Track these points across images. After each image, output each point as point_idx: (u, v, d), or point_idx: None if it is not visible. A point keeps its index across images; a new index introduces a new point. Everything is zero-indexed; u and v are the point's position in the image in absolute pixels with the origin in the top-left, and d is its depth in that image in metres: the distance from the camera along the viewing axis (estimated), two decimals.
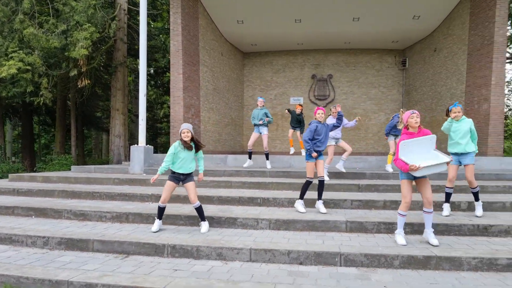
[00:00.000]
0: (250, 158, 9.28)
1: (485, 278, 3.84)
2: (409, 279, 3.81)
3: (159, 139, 22.87)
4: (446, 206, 5.69)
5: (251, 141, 9.14)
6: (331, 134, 7.91)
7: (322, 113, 5.87)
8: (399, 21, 14.67)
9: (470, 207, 5.97)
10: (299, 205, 5.88)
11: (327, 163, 8.02)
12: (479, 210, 5.62)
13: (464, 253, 4.15)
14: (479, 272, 4.00)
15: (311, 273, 3.97)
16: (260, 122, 8.98)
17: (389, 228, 5.13)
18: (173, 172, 5.21)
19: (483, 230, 5.01)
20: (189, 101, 13.09)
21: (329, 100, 18.40)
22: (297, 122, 10.57)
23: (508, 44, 24.40)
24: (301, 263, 4.26)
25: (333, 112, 8.01)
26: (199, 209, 5.17)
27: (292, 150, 11.36)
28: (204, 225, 5.18)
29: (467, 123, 5.55)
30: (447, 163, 4.35)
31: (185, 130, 5.06)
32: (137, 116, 20.93)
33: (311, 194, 6.37)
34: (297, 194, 6.68)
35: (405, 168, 4.33)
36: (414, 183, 4.59)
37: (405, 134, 4.62)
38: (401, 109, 8.39)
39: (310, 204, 6.16)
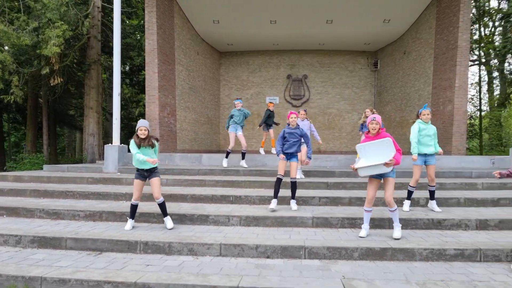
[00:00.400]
0: (226, 157, 9.38)
1: (434, 267, 4.20)
2: (366, 269, 4.12)
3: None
4: (407, 203, 6.08)
5: (233, 142, 9.25)
6: None
7: (294, 117, 6.11)
8: (371, 24, 15.18)
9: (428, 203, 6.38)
10: (272, 202, 6.07)
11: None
12: (436, 207, 6.04)
13: (417, 245, 4.51)
14: (429, 262, 4.36)
15: (276, 265, 4.23)
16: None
17: (352, 223, 5.46)
18: (137, 169, 5.35)
19: (437, 224, 5.41)
20: (164, 100, 13.16)
21: (304, 100, 18.80)
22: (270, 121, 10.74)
23: (476, 46, 25.55)
24: (268, 257, 4.51)
25: (301, 114, 8.36)
26: (163, 205, 5.30)
27: (262, 150, 11.45)
28: (169, 221, 5.34)
29: (434, 128, 6.05)
30: (386, 164, 4.56)
31: (142, 128, 5.19)
32: (111, 114, 20.79)
33: (287, 192, 6.64)
34: (269, 192, 6.96)
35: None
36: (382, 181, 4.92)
37: (365, 137, 5.00)
38: (367, 109, 8.83)
39: (286, 201, 6.44)
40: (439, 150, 6.13)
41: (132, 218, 5.40)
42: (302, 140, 6.23)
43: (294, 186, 6.11)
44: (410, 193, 6.08)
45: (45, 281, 3.76)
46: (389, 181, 4.82)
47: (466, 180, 8.14)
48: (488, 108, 26.89)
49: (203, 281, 3.69)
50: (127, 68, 21.04)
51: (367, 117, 9.55)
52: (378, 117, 4.88)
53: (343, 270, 4.08)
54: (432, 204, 6.09)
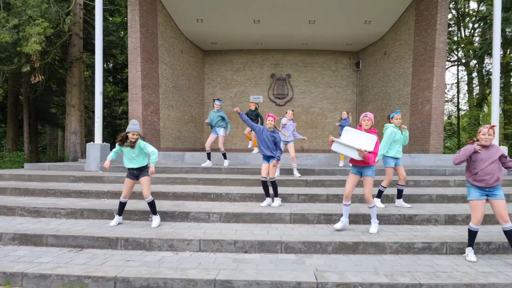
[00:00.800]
0: (209, 159, 9.44)
1: (403, 259, 4.43)
2: (338, 262, 4.33)
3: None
4: (377, 200, 6.34)
5: (208, 142, 9.37)
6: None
7: (271, 120, 6.32)
8: (352, 25, 15.47)
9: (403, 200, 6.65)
10: (265, 201, 6.37)
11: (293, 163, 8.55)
12: (405, 204, 6.37)
13: (387, 239, 4.74)
14: (399, 255, 4.60)
15: (253, 259, 4.40)
16: (227, 133, 9.59)
17: (329, 219, 5.67)
18: (128, 168, 5.47)
19: (409, 219, 5.66)
20: (148, 98, 13.19)
21: (288, 99, 19.03)
22: (255, 119, 10.85)
23: (455, 48, 26.20)
24: (246, 252, 4.67)
25: (289, 114, 8.61)
26: (152, 204, 5.43)
27: (256, 150, 11.60)
28: (155, 220, 5.45)
29: (400, 132, 6.35)
30: (359, 150, 4.71)
31: (135, 132, 5.33)
32: (94, 112, 20.65)
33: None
34: (250, 189, 7.23)
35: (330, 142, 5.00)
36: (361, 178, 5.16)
37: (359, 127, 5.23)
38: (343, 112, 9.16)
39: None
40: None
41: (120, 215, 5.51)
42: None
43: (273, 185, 6.30)
44: (380, 192, 6.37)
45: (26, 277, 3.84)
46: (368, 179, 5.05)
47: (439, 177, 8.46)
48: (467, 107, 27.63)
49: (182, 274, 3.83)
50: (111, 66, 20.90)
51: (343, 119, 9.91)
52: (369, 114, 5.15)
53: (317, 263, 4.27)
54: (400, 201, 6.38)
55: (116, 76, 21.19)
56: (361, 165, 5.00)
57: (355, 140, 4.90)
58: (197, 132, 18.29)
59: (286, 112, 8.69)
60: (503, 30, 15.89)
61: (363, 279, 3.78)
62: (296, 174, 8.50)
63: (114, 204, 6.25)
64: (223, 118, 9.46)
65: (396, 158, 6.32)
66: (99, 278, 3.79)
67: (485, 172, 4.26)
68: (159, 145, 13.91)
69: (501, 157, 4.32)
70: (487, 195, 4.31)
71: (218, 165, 9.46)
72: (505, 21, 14.72)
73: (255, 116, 10.85)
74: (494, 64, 9.48)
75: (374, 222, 5.14)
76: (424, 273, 3.95)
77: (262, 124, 9.40)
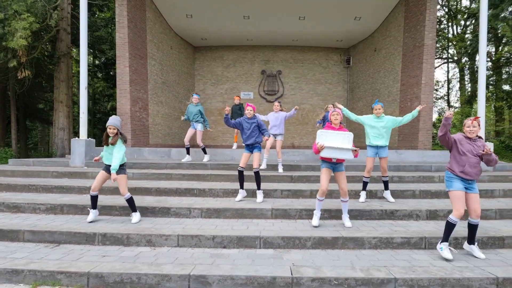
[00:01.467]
0: (188, 153, 9.53)
1: (381, 254, 4.43)
2: (316, 257, 4.31)
3: None
4: (363, 194, 6.37)
5: (187, 137, 9.36)
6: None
7: (250, 110, 6.30)
8: (342, 21, 15.45)
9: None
10: (239, 193, 6.34)
11: (265, 155, 8.55)
12: (390, 197, 6.34)
13: (367, 234, 4.74)
14: (377, 250, 4.59)
15: (231, 255, 4.37)
16: (204, 129, 9.45)
17: (310, 214, 5.65)
18: (106, 164, 5.41)
19: (390, 214, 5.66)
20: (136, 94, 13.09)
21: (278, 95, 18.99)
22: (240, 114, 10.78)
23: (448, 45, 26.31)
24: (224, 247, 4.64)
25: (275, 106, 8.62)
26: (130, 201, 5.37)
27: (235, 146, 11.78)
28: (135, 216, 5.40)
29: (386, 120, 6.27)
30: (353, 151, 4.85)
31: (111, 126, 5.24)
32: None
33: (251, 185, 6.81)
34: (234, 185, 7.15)
35: (315, 149, 4.92)
36: (333, 174, 5.16)
37: (327, 127, 5.18)
38: (329, 105, 9.13)
39: (250, 194, 6.63)
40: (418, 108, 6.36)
41: (94, 208, 5.43)
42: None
43: (257, 176, 6.26)
44: (365, 184, 6.37)
45: None
46: (342, 173, 5.08)
47: (425, 173, 8.48)
48: (460, 105, 27.79)
49: (156, 270, 3.79)
50: (102, 61, 20.72)
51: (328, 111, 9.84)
52: (338, 110, 5.17)
53: (294, 258, 4.25)
54: (387, 194, 6.40)
55: (109, 72, 21.01)
56: (337, 161, 5.06)
57: (338, 141, 4.90)
58: (187, 128, 18.08)
59: (274, 104, 8.69)
60: (493, 28, 15.99)
61: (339, 273, 3.77)
62: (280, 170, 8.45)
63: None
64: (201, 113, 9.35)
65: (377, 148, 6.29)
66: (72, 273, 3.75)
67: (471, 164, 4.24)
68: (148, 141, 13.82)
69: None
70: (466, 188, 4.29)
71: (210, 161, 9.41)
72: (494, 18, 14.78)
73: (238, 109, 10.85)
74: (480, 60, 9.52)
75: (347, 216, 5.22)
76: (401, 268, 3.95)
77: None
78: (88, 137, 9.51)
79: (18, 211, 5.91)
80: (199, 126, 9.34)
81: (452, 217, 4.22)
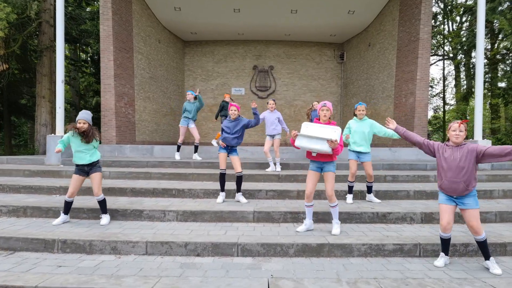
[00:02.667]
0: (178, 150, 9.22)
1: (371, 263, 3.98)
2: (299, 266, 3.86)
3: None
4: (349, 196, 5.97)
5: (181, 137, 9.12)
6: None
7: (234, 110, 5.85)
8: (336, 15, 14.98)
9: (377, 196, 6.23)
10: (219, 196, 5.92)
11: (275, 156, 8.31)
12: (375, 199, 6.00)
13: (355, 240, 4.29)
14: (367, 258, 4.15)
15: (204, 264, 3.91)
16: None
17: (295, 217, 5.21)
18: (77, 165, 4.94)
19: (382, 218, 5.23)
20: (121, 89, 12.57)
21: (270, 92, 18.53)
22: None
23: (443, 41, 25.94)
24: (198, 255, 4.18)
25: (270, 105, 8.27)
26: (102, 202, 4.94)
27: (214, 142, 11.28)
28: (105, 218, 4.96)
29: (367, 125, 5.84)
30: (330, 141, 4.20)
31: (81, 120, 4.77)
32: (70, 104, 19.88)
33: (234, 185, 6.37)
34: (216, 185, 6.67)
35: (291, 140, 4.47)
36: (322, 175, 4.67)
37: (315, 120, 4.69)
38: (314, 102, 8.78)
39: (232, 195, 6.18)
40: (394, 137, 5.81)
41: (66, 213, 5.01)
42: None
43: (239, 180, 5.85)
44: (350, 187, 6.00)
45: None
46: (329, 175, 4.54)
47: (420, 172, 8.07)
48: (455, 101, 27.46)
49: (114, 284, 3.32)
50: (89, 55, 20.10)
51: (313, 110, 9.43)
52: (329, 104, 4.57)
53: (274, 269, 3.80)
54: (370, 196, 6.03)
55: (96, 66, 20.39)
56: (322, 160, 4.52)
57: (320, 131, 4.35)
58: (176, 125, 17.63)
59: (267, 103, 8.31)
60: (489, 21, 15.61)
61: (322, 287, 3.32)
62: (278, 168, 8.14)
63: (63, 201, 5.71)
64: (198, 109, 9.19)
65: (357, 152, 5.87)
66: None
67: (450, 180, 3.71)
68: (134, 138, 13.31)
69: (478, 156, 3.66)
70: (455, 202, 3.82)
71: (188, 158, 8.95)
72: (490, 11, 14.38)
73: (222, 107, 10.48)
74: (478, 55, 9.11)
75: (337, 222, 4.67)
76: (392, 280, 3.51)
77: (225, 115, 9.32)
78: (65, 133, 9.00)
79: None
80: (192, 124, 9.12)
81: (440, 232, 3.87)
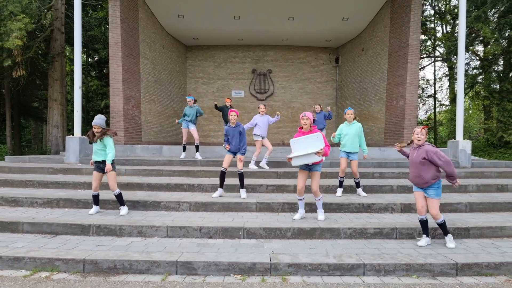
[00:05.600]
0: (184, 151, 10.12)
1: (354, 243, 4.82)
2: (295, 246, 4.69)
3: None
4: (339, 190, 6.84)
5: (184, 137, 9.97)
6: (255, 130, 8.81)
7: (234, 116, 6.55)
8: (331, 22, 15.83)
9: (364, 190, 7.07)
10: (216, 192, 6.67)
11: (255, 155, 8.77)
12: (362, 192, 6.92)
13: (342, 225, 5.13)
14: (352, 240, 4.99)
15: (216, 244, 4.74)
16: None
17: (292, 207, 6.04)
18: (95, 162, 5.75)
19: (367, 208, 6.07)
20: (129, 93, 13.37)
21: (269, 94, 19.36)
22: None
23: (433, 43, 26.80)
24: (210, 237, 5.01)
25: (261, 109, 8.94)
26: (119, 196, 5.73)
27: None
28: (123, 209, 5.76)
29: (356, 128, 6.69)
30: (317, 153, 5.00)
31: (95, 126, 5.57)
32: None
33: (238, 181, 7.17)
34: None
35: (288, 160, 5.23)
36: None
37: (299, 132, 5.42)
38: (316, 105, 9.53)
39: (237, 189, 7.00)
40: (364, 155, 6.78)
41: (97, 205, 5.84)
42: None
43: (241, 177, 6.59)
44: (340, 182, 6.88)
45: (0, 259, 4.11)
46: (315, 174, 5.35)
47: (405, 169, 8.90)
48: (449, 103, 28.33)
49: (146, 257, 4.15)
50: (94, 60, 20.87)
51: (317, 113, 10.30)
52: (308, 114, 5.31)
53: (275, 247, 4.63)
54: (358, 190, 6.95)
55: (102, 70, 21.20)
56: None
57: (307, 146, 5.10)
58: (179, 126, 18.47)
59: (258, 107, 9.03)
60: (477, 29, 16.43)
61: (313, 260, 4.15)
62: (265, 166, 8.84)
63: (89, 194, 6.52)
64: (198, 114, 9.88)
65: (348, 152, 6.73)
66: (69, 260, 4.09)
67: (413, 174, 4.62)
68: (140, 139, 14.12)
69: (427, 157, 4.45)
70: (423, 190, 4.65)
71: (194, 157, 9.75)
72: (476, 20, 15.25)
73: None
74: (459, 62, 9.95)
75: (321, 211, 5.54)
76: (370, 255, 4.34)
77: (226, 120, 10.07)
78: (82, 135, 9.81)
79: (16, 205, 6.23)
80: (192, 126, 9.82)
81: (418, 215, 4.73)
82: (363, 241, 4.95)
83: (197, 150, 9.89)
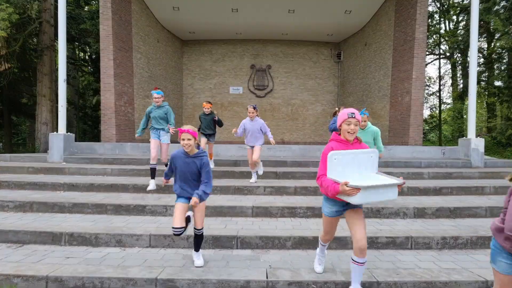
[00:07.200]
0: (153, 177, 6.51)
1: None
2: (296, 258, 4.06)
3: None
4: None
5: (153, 151, 6.53)
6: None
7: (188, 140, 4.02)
8: (333, 15, 15.16)
9: None
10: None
11: (251, 169, 7.04)
12: None
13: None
14: None
15: (205, 255, 4.09)
16: (171, 130, 6.68)
17: (292, 212, 5.41)
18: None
19: (376, 213, 5.43)
20: (121, 88, 12.72)
21: (268, 90, 18.71)
22: (208, 126, 7.83)
23: (439, 40, 26.17)
24: None
25: (250, 112, 6.96)
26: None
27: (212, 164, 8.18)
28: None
29: (370, 134, 5.84)
30: (399, 186, 3.02)
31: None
32: (69, 103, 19.99)
33: (233, 182, 6.54)
34: (216, 181, 6.83)
35: (333, 190, 2.84)
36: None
37: (335, 141, 3.14)
38: (337, 107, 8.59)
39: (231, 191, 6.36)
40: (380, 153, 5.87)
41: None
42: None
43: (201, 238, 3.92)
44: None
45: None
46: (358, 212, 3.16)
47: (414, 169, 8.28)
48: (452, 100, 27.74)
49: (121, 273, 3.51)
50: (86, 55, 20.20)
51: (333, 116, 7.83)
52: (357, 114, 3.06)
53: (272, 260, 4.00)
54: None
55: (95, 66, 20.51)
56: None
57: (364, 169, 3.12)
58: (175, 123, 17.81)
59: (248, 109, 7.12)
60: (485, 21, 15.83)
61: (318, 276, 3.52)
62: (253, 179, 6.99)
63: (68, 197, 5.92)
64: (168, 118, 6.71)
65: None
66: (30, 277, 3.46)
67: None
68: (133, 137, 13.47)
69: None
70: None
71: None
72: (485, 11, 14.60)
73: (206, 124, 7.90)
74: (471, 54, 9.32)
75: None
76: (384, 270, 3.72)
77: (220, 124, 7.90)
78: (67, 132, 9.16)
79: None
80: (165, 137, 6.66)
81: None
82: (374, 252, 4.32)
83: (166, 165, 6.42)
